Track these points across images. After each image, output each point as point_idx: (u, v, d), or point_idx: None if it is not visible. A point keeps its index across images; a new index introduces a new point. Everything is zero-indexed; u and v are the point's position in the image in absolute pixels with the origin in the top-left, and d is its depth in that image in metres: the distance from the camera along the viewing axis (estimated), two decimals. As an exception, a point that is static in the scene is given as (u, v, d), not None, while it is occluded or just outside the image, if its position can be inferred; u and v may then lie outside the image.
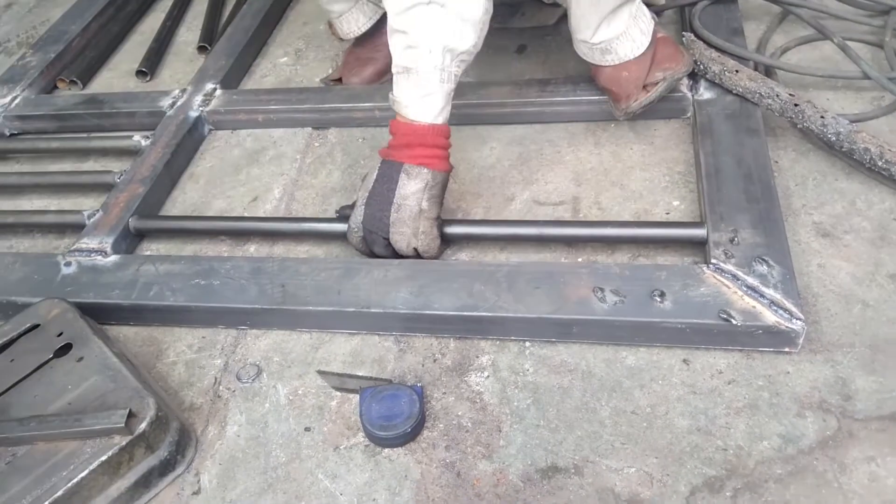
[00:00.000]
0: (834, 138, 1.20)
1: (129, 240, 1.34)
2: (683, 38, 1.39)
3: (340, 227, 1.23)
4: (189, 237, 1.37)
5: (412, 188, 1.15)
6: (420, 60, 1.12)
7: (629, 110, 1.32)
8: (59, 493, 0.91)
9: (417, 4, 1.10)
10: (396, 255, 1.20)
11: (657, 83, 1.30)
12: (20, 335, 1.10)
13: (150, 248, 1.37)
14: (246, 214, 1.40)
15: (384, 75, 1.63)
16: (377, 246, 1.19)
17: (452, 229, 1.21)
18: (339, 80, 1.66)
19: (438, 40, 1.11)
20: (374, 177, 1.18)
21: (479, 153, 1.42)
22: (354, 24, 1.57)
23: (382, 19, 1.49)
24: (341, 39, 1.61)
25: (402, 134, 1.16)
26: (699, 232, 1.12)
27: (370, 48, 1.61)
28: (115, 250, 1.29)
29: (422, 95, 1.14)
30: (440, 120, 1.16)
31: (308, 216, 1.37)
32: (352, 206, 1.22)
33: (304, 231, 1.30)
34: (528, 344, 1.09)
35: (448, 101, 1.16)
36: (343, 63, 1.67)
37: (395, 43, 1.15)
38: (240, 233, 1.34)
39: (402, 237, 1.16)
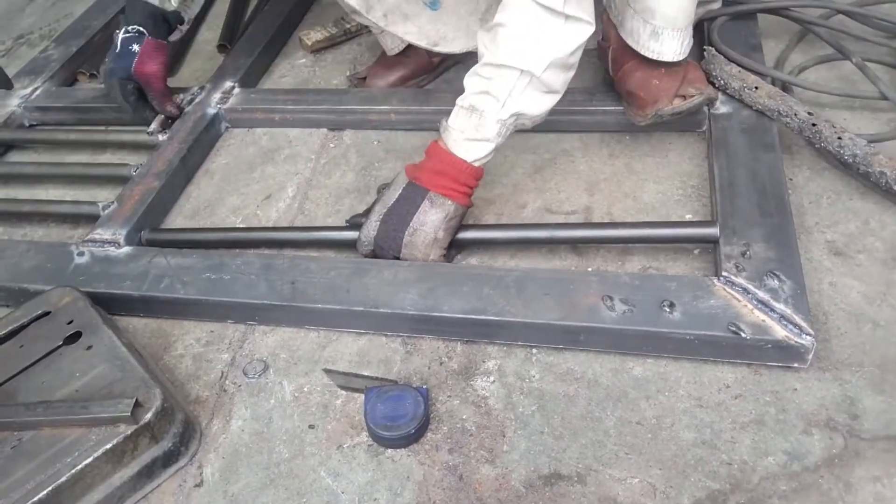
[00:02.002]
0: (850, 160, 1.20)
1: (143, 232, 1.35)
2: (704, 52, 1.40)
3: (351, 235, 1.24)
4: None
5: (432, 217, 1.16)
6: (490, 110, 1.14)
7: (660, 112, 1.30)
8: (63, 479, 0.91)
9: (510, 68, 1.11)
10: None
11: (693, 96, 1.29)
12: (31, 321, 1.11)
13: (162, 242, 1.38)
14: (259, 212, 1.41)
15: (409, 80, 1.64)
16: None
17: (462, 234, 1.22)
18: (364, 79, 1.67)
19: (516, 104, 1.13)
20: (397, 196, 1.19)
21: (493, 160, 1.41)
22: (391, 41, 1.61)
23: None
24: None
25: (440, 161, 1.18)
26: (711, 231, 1.13)
27: (399, 53, 1.62)
28: (128, 242, 1.29)
29: (476, 138, 1.16)
30: (480, 163, 1.18)
31: (318, 224, 1.37)
32: (364, 215, 1.23)
33: (314, 239, 1.30)
34: (534, 350, 1.09)
35: (495, 150, 1.18)
36: (372, 64, 1.69)
37: (472, 83, 1.16)
38: (250, 243, 1.33)
39: (411, 259, 1.18)
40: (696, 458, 0.93)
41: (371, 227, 1.20)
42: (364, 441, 1.01)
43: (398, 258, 1.19)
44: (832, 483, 0.89)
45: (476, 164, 1.18)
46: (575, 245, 1.23)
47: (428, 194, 1.17)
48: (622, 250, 1.21)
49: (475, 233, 1.24)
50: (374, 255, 1.22)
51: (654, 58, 1.29)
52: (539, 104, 1.15)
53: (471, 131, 1.15)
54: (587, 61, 1.63)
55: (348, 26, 1.86)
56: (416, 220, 1.16)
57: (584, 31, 1.11)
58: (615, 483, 0.92)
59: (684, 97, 1.29)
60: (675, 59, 1.28)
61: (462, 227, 1.22)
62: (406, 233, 1.17)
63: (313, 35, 1.84)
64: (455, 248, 1.23)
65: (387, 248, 1.19)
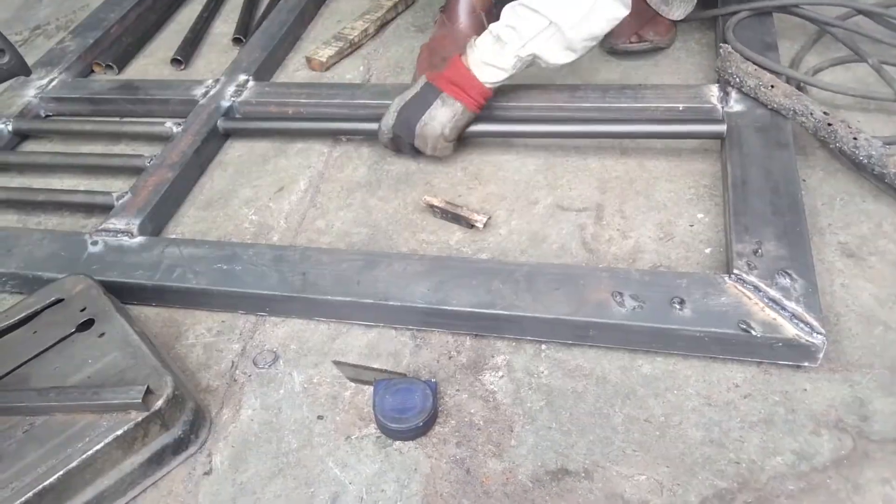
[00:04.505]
0: (865, 161, 1.20)
1: (156, 222, 1.36)
2: (720, 50, 1.39)
3: (372, 126, 1.43)
4: (214, 223, 1.39)
5: (442, 114, 1.33)
6: (512, 44, 1.26)
7: (616, 48, 1.58)
8: (74, 464, 0.92)
9: (542, 16, 1.23)
10: (419, 153, 1.41)
11: (646, 41, 1.55)
12: (44, 308, 1.12)
13: (175, 232, 1.39)
14: (271, 204, 1.42)
15: None
16: (404, 148, 1.42)
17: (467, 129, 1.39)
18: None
19: (534, 47, 1.26)
20: (414, 93, 1.35)
21: (504, 156, 1.43)
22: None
23: None
24: None
25: (457, 73, 1.32)
26: (719, 128, 1.29)
27: (454, 43, 1.59)
28: (142, 232, 1.30)
29: (493, 64, 1.29)
30: (491, 86, 1.33)
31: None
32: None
33: (341, 130, 1.52)
34: (543, 346, 1.09)
35: (508, 79, 1.32)
36: (424, 61, 1.64)
37: (506, 15, 1.27)
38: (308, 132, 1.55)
39: (423, 146, 1.37)
40: (703, 456, 0.93)
41: (390, 118, 1.37)
42: (372, 433, 1.02)
43: (413, 147, 1.38)
44: (840, 484, 0.89)
45: (487, 86, 1.31)
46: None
47: (441, 94, 1.32)
48: (633, 247, 1.21)
49: (478, 126, 1.40)
50: (393, 142, 1.41)
51: (664, 15, 1.55)
52: (556, 56, 1.27)
53: (490, 57, 1.28)
54: (601, 59, 1.63)
55: (351, 37, 1.83)
56: (427, 115, 1.33)
57: (621, 12, 1.25)
58: (622, 480, 0.93)
59: (644, 41, 1.55)
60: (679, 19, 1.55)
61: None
62: (418, 124, 1.33)
63: (322, 52, 1.78)
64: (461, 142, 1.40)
65: (403, 136, 1.37)
